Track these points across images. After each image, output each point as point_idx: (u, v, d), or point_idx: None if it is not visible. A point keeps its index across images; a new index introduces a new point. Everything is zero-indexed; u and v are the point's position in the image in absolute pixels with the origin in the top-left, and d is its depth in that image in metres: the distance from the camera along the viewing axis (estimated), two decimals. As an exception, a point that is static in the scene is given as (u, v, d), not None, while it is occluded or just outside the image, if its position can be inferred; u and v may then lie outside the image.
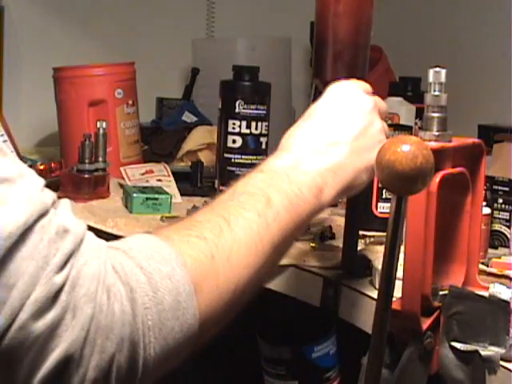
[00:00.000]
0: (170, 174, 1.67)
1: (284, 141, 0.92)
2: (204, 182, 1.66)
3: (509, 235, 1.30)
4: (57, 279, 0.63)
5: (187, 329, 0.71)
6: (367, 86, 0.98)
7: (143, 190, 1.52)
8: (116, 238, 0.74)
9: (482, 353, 0.88)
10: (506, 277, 1.05)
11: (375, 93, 0.98)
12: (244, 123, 1.54)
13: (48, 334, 0.63)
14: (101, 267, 0.67)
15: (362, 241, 1.24)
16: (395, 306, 0.86)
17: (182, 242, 0.75)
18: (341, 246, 1.13)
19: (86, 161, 1.55)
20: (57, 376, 0.64)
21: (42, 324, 0.63)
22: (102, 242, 0.70)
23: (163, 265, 0.71)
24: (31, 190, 0.64)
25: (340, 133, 0.91)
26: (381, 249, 0.96)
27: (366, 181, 0.92)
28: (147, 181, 1.64)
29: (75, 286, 0.65)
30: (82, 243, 0.67)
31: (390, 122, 1.63)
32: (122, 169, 1.68)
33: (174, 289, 0.70)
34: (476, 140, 0.98)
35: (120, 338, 0.66)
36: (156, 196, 1.48)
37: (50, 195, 0.67)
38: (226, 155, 1.55)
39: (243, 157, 1.54)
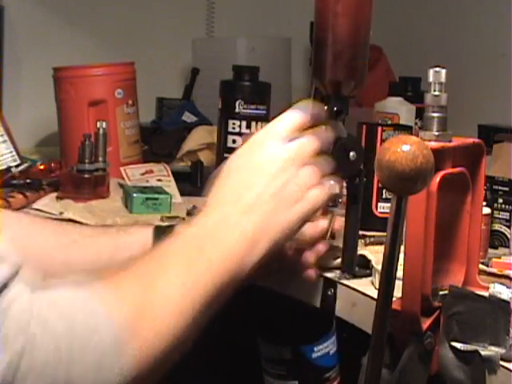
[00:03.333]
0: (170, 174, 1.67)
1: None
2: (204, 182, 1.66)
3: (509, 235, 1.30)
4: None
5: None
6: (288, 127, 0.94)
7: (143, 189, 1.52)
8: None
9: (482, 353, 0.88)
10: (506, 277, 1.05)
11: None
12: (244, 123, 1.54)
13: None
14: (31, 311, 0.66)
15: (362, 241, 1.24)
16: (395, 306, 0.86)
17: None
18: (341, 246, 1.13)
19: (86, 161, 1.55)
20: None
21: None
22: (36, 281, 0.69)
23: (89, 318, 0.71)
24: None
25: (251, 199, 0.90)
26: (381, 249, 0.96)
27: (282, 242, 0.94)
28: (147, 181, 1.64)
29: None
30: (16, 274, 0.66)
31: (390, 121, 1.63)
32: (121, 169, 1.68)
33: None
34: (476, 140, 0.98)
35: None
36: (156, 196, 1.48)
37: None
38: (226, 155, 1.55)
39: (243, 157, 1.54)
